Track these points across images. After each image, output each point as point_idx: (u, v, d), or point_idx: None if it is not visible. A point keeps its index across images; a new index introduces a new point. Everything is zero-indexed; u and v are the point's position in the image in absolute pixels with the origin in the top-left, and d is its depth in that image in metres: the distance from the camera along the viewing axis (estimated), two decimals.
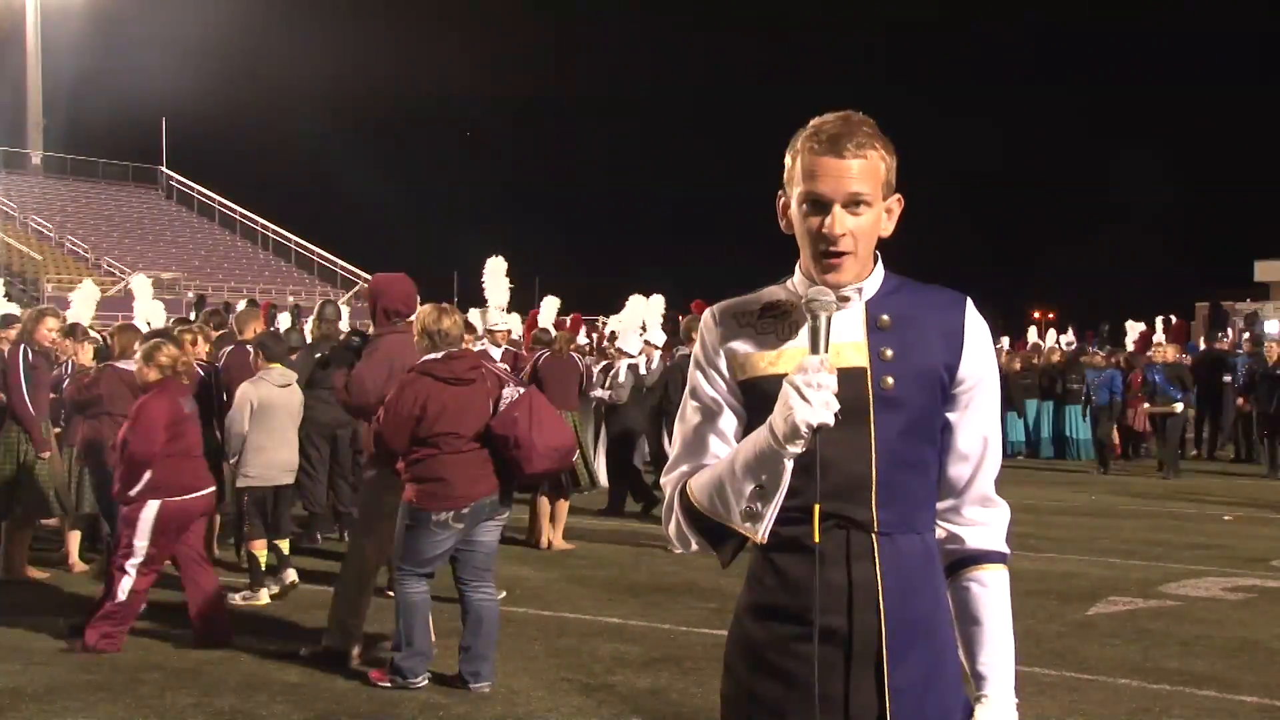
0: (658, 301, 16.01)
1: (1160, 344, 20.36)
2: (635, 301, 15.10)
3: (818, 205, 2.22)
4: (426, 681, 6.19)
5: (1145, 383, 17.33)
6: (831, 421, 2.09)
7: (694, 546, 2.31)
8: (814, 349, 2.14)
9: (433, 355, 6.24)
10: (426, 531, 6.07)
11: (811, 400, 2.08)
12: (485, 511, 6.18)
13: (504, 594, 8.15)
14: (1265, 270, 48.87)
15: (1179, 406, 16.90)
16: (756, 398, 2.25)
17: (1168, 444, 17.25)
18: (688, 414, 2.35)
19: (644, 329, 14.33)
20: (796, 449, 2.12)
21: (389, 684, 6.16)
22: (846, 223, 2.22)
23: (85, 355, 9.19)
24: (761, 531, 2.19)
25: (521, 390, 6.42)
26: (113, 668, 6.60)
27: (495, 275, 13.51)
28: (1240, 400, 18.76)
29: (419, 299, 7.21)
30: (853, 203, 2.22)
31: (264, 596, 8.20)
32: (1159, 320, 24.85)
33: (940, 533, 2.33)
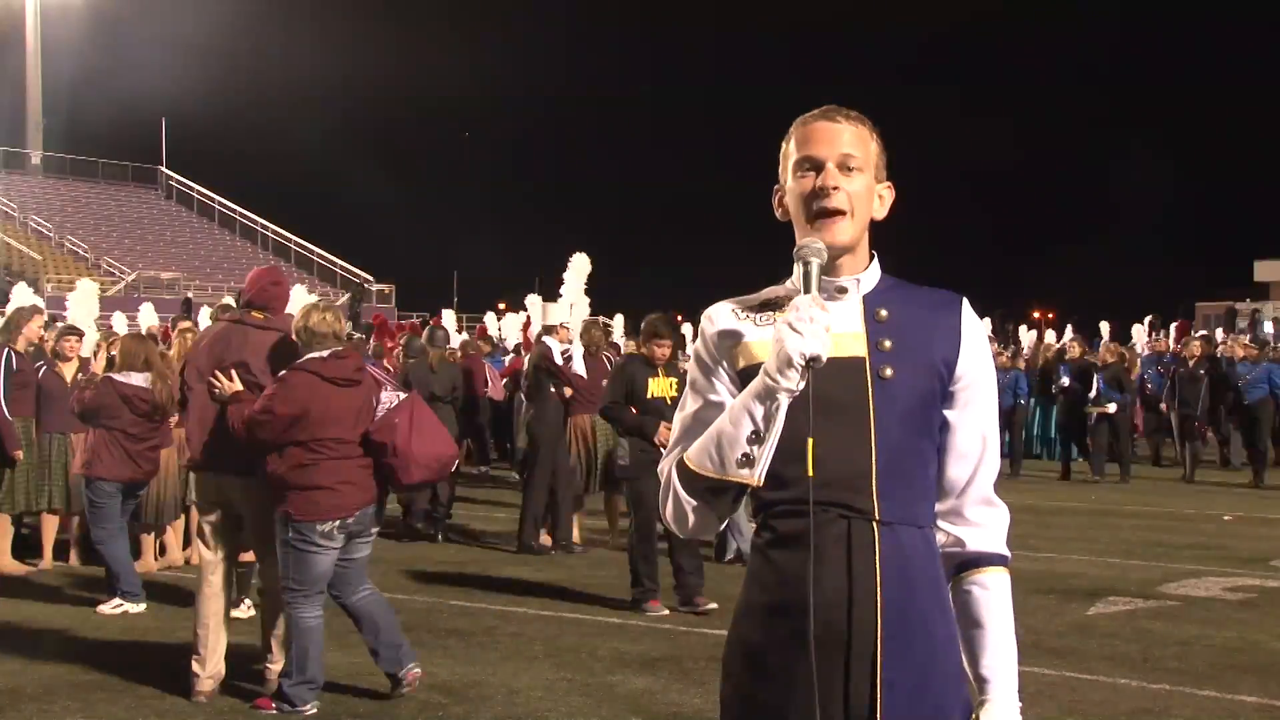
0: (583, 304, 15.86)
1: (1072, 341, 20.02)
2: (560, 303, 14.97)
3: (812, 166, 2.28)
4: (314, 710, 5.82)
5: (1086, 384, 17.07)
6: (824, 355, 2.10)
7: (691, 520, 2.28)
8: (805, 291, 2.17)
9: (317, 354, 5.87)
10: (313, 544, 5.74)
11: (804, 332, 2.09)
12: (367, 520, 5.91)
13: (713, 605, 7.97)
14: (1265, 270, 48.90)
15: (1112, 407, 16.58)
16: None
17: (1120, 445, 16.89)
18: (687, 404, 2.36)
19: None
20: (790, 383, 2.11)
21: (274, 711, 5.82)
22: (840, 179, 2.26)
23: (99, 364, 9.19)
24: (758, 474, 2.18)
25: (401, 395, 6.08)
26: (113, 668, 6.59)
27: (577, 272, 13.11)
28: (1163, 406, 18.10)
29: (283, 295, 6.51)
30: (845, 165, 2.27)
31: None
32: (1148, 319, 24.80)
33: (941, 536, 2.33)
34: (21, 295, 13.96)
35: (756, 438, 2.16)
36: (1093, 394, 16.75)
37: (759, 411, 2.15)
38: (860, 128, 2.31)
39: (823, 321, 2.11)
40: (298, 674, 5.81)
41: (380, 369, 6.71)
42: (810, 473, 2.17)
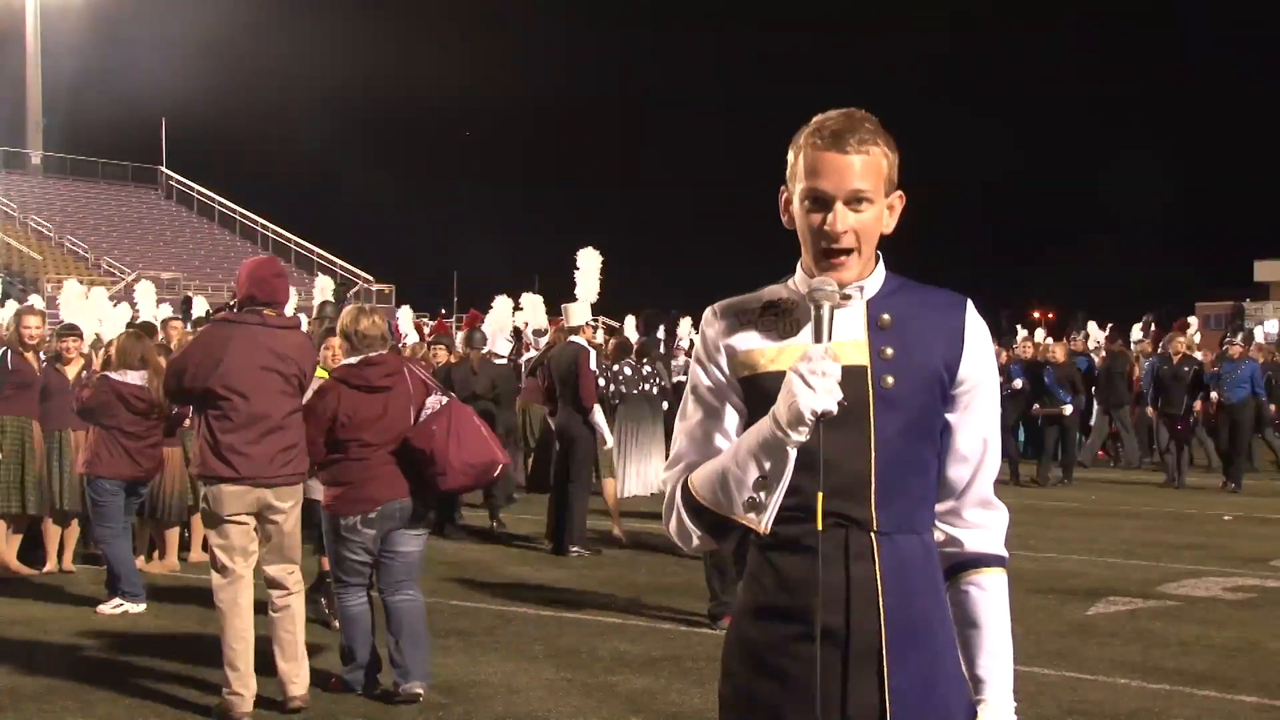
0: (536, 301, 15.80)
1: (1025, 341, 19.61)
2: (502, 303, 14.91)
3: (820, 202, 2.23)
4: (377, 690, 6.09)
5: (1037, 384, 16.35)
6: (835, 409, 2.09)
7: (695, 542, 2.29)
8: (817, 338, 2.14)
9: (348, 360, 6.13)
10: (340, 536, 6.01)
11: (816, 387, 2.08)
12: (397, 516, 5.99)
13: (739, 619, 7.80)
14: (1265, 270, 48.99)
15: (1068, 409, 16.08)
16: (757, 394, 2.24)
17: (1064, 448, 16.37)
18: (689, 410, 2.35)
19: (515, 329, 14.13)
20: (800, 437, 2.11)
21: (341, 692, 6.12)
22: (849, 219, 2.22)
23: (97, 362, 9.17)
24: (764, 522, 2.18)
25: (445, 400, 6.17)
26: (113, 668, 6.60)
27: (588, 268, 13.03)
28: (1149, 409, 17.35)
29: (287, 287, 6.34)
30: (855, 200, 2.22)
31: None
32: (1145, 318, 24.68)
33: (939, 536, 2.32)
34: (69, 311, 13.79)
35: (763, 483, 2.16)
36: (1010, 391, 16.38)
37: (766, 462, 2.14)
38: (871, 153, 2.22)
39: (835, 374, 2.09)
40: (349, 661, 6.13)
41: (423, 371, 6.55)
42: (820, 526, 2.17)
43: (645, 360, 14.76)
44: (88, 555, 9.55)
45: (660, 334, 22.19)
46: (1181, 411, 16.26)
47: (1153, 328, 23.48)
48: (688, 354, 19.78)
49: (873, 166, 2.23)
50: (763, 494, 2.16)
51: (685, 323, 23.03)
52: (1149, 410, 17.49)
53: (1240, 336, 18.35)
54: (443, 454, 5.91)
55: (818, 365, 2.09)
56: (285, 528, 5.98)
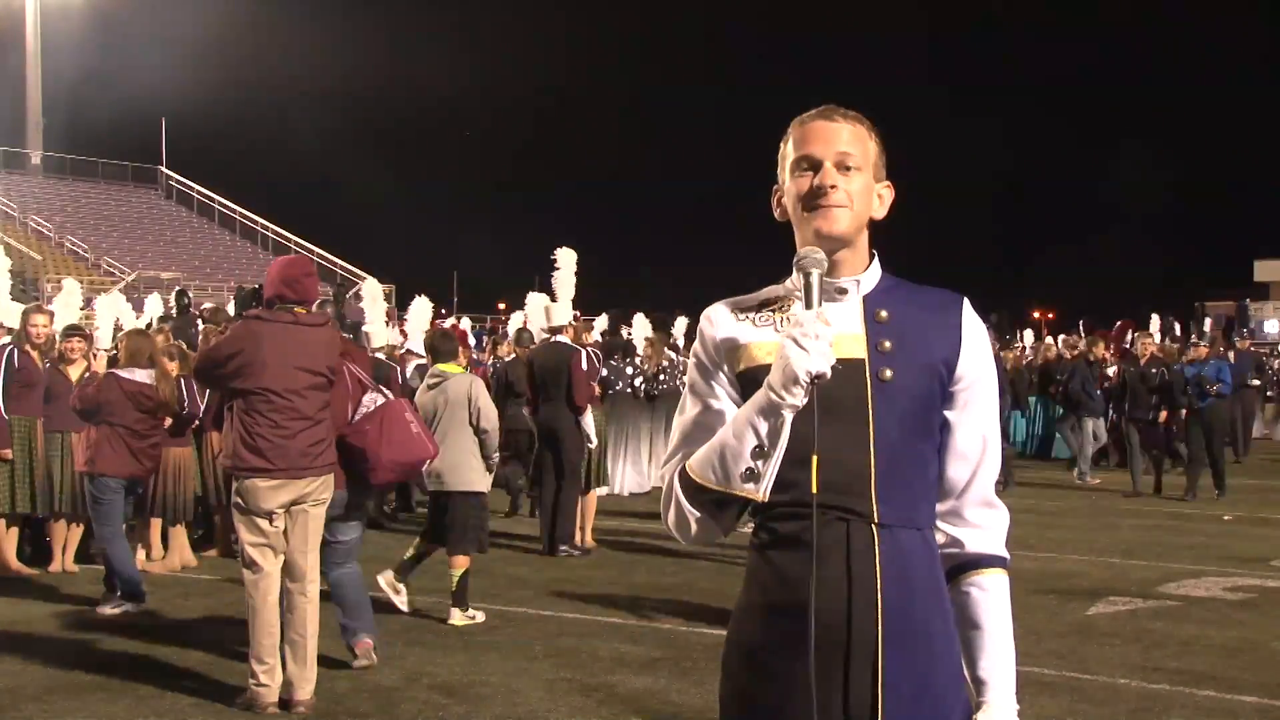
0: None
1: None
2: (420, 304, 14.87)
3: (810, 165, 2.27)
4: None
5: None
6: (829, 371, 2.09)
7: (694, 530, 2.28)
8: (807, 305, 2.15)
9: None
10: None
11: (809, 349, 2.08)
12: (338, 505, 6.39)
13: None
14: (1265, 270, 48.99)
15: None
16: (755, 388, 2.24)
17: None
18: (687, 406, 2.35)
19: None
20: (795, 400, 2.11)
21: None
22: (838, 178, 2.26)
23: (99, 363, 9.16)
24: (763, 490, 2.18)
25: (381, 399, 6.52)
26: (112, 668, 6.60)
27: (564, 267, 13.03)
28: (1116, 416, 16.71)
29: (316, 286, 6.43)
30: (843, 165, 2.26)
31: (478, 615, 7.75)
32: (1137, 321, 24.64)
33: (940, 536, 2.32)
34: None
35: (761, 452, 2.16)
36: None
37: (763, 427, 2.15)
38: (858, 126, 2.30)
39: (827, 337, 2.10)
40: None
41: (360, 369, 6.71)
42: (815, 490, 2.16)
43: (628, 360, 14.74)
44: (88, 555, 9.54)
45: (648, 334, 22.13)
46: (1149, 416, 15.63)
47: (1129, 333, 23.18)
48: (679, 352, 19.77)
49: (859, 137, 2.29)
50: (760, 463, 2.17)
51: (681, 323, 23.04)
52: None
53: (1206, 339, 18.02)
54: (374, 452, 6.39)
55: (810, 328, 2.10)
56: (314, 515, 6.05)
